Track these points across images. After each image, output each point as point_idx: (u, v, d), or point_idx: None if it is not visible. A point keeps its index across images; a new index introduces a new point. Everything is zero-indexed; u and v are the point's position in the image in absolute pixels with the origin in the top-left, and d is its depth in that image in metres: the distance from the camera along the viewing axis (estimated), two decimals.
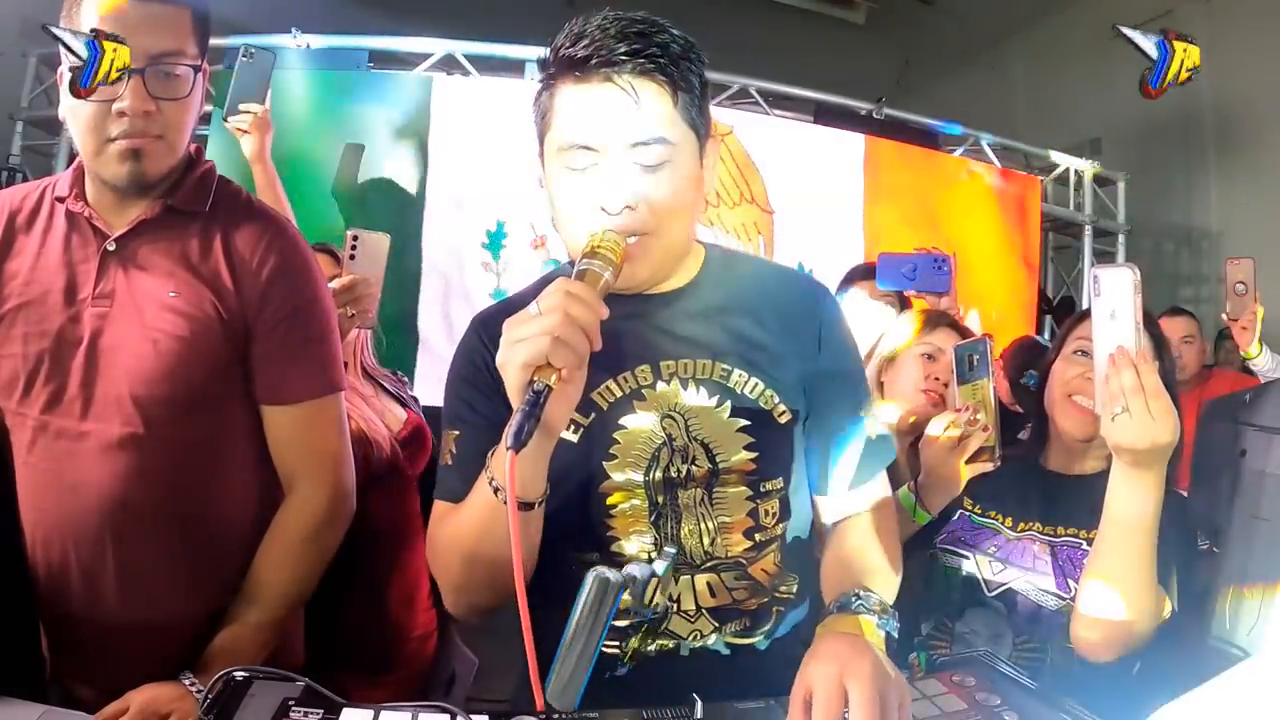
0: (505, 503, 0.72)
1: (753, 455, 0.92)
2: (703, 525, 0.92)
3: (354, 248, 1.55)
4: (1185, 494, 1.23)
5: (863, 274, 2.07)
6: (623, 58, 0.82)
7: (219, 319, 1.02)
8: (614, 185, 0.83)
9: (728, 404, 0.92)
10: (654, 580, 0.77)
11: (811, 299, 1.00)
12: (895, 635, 0.85)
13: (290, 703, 0.71)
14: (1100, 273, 0.98)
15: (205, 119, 1.67)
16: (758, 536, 0.93)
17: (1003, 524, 1.23)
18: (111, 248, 1.01)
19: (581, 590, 0.71)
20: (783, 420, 0.94)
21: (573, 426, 0.89)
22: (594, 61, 0.82)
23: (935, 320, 1.63)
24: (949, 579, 1.23)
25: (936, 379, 1.53)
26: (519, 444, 0.68)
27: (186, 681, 0.96)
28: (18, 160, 3.95)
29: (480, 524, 0.82)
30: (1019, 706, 0.78)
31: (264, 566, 1.05)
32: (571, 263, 0.86)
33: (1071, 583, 1.11)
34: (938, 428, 1.24)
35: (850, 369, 1.02)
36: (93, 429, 1.00)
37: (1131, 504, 0.96)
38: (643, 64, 0.82)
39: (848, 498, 0.98)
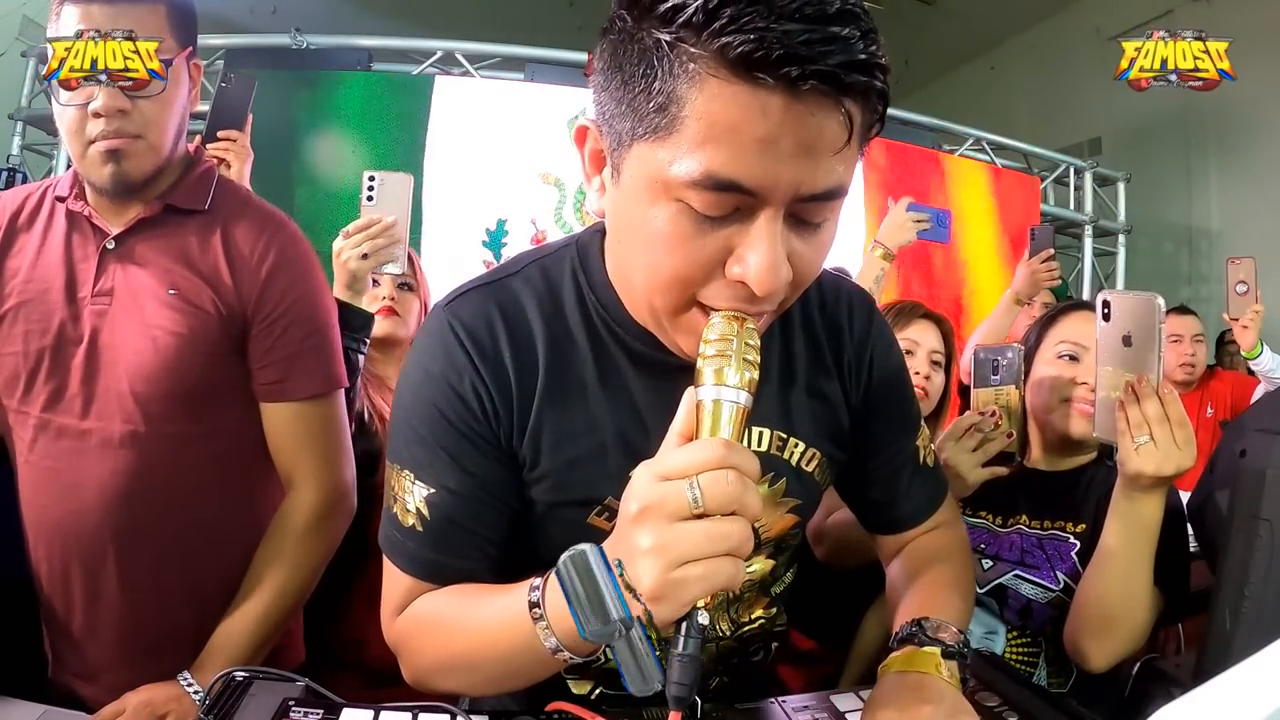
0: (560, 661, 0.60)
1: (793, 529, 0.83)
2: (729, 596, 0.83)
3: (371, 188, 1.39)
4: (1182, 493, 1.23)
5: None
6: (833, 66, 0.51)
7: (218, 316, 1.02)
8: (773, 256, 0.56)
9: (782, 482, 0.79)
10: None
11: (865, 321, 0.83)
12: (969, 664, 0.75)
13: (290, 703, 0.71)
14: (1112, 298, 0.97)
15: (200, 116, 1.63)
16: (774, 590, 0.88)
17: (991, 522, 1.24)
18: (110, 245, 1.01)
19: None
20: (824, 487, 0.84)
21: (605, 514, 0.73)
22: (790, 68, 0.50)
23: (909, 312, 1.56)
24: None
25: (916, 373, 1.47)
26: (682, 705, 0.53)
27: (183, 682, 0.96)
28: (18, 160, 3.95)
29: (507, 655, 0.64)
30: (1019, 706, 0.78)
31: (263, 563, 1.05)
32: (578, 243, 0.74)
33: (1060, 574, 1.13)
34: (958, 429, 1.23)
35: (903, 394, 0.88)
36: (94, 427, 1.00)
37: (1140, 520, 0.97)
38: (861, 82, 0.52)
39: (915, 529, 0.89)
